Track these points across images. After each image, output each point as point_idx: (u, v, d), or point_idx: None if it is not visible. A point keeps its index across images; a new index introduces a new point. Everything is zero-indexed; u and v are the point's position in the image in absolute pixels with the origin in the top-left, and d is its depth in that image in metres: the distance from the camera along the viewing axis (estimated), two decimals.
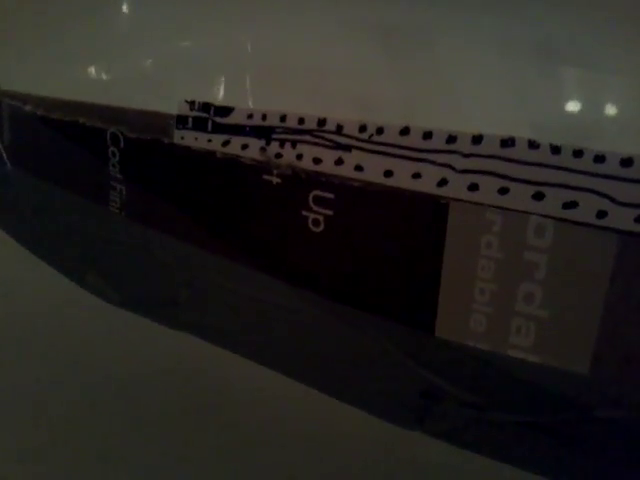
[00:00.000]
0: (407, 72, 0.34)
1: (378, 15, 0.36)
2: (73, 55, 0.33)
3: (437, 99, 0.32)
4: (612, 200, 0.11)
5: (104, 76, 0.34)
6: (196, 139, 0.15)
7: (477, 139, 0.12)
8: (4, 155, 0.19)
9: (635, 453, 0.13)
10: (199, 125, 0.15)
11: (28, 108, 0.18)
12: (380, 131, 0.13)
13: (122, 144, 0.16)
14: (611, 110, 0.33)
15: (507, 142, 0.12)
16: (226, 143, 0.15)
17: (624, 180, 0.11)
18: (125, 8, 0.35)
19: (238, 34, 0.36)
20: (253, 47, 0.37)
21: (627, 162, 0.11)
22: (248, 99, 0.34)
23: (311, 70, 0.33)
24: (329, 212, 0.14)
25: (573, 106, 0.34)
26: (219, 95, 0.35)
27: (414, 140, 0.13)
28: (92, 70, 0.34)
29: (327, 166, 0.14)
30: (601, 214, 0.11)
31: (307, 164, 0.14)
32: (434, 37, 0.36)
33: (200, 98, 0.16)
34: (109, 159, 0.16)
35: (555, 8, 0.34)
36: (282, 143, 0.14)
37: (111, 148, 0.16)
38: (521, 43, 0.35)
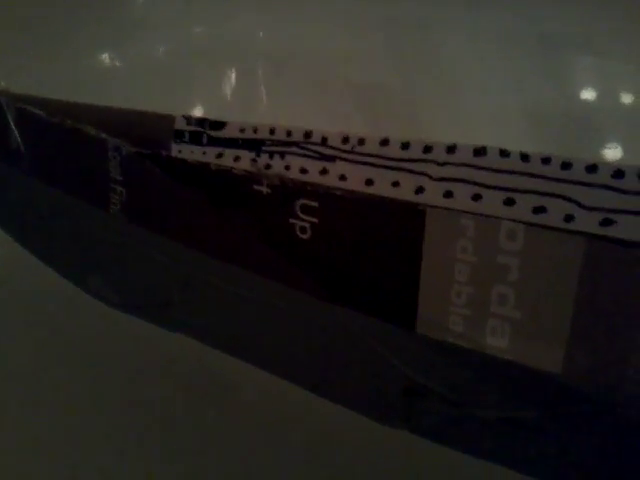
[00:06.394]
0: (408, 62, 0.35)
1: (382, 8, 0.36)
2: (86, 43, 0.33)
3: (438, 88, 0.33)
4: (579, 205, 0.12)
5: (117, 63, 0.35)
6: (192, 152, 0.16)
7: (451, 148, 0.13)
8: (11, 158, 0.19)
9: (610, 449, 0.13)
10: (195, 139, 0.16)
11: (33, 111, 0.18)
12: (362, 142, 0.14)
13: (123, 152, 0.17)
14: (615, 97, 0.34)
15: (480, 151, 0.13)
16: (219, 155, 0.16)
17: (589, 185, 0.12)
18: None
19: (250, 21, 0.37)
20: (264, 34, 0.37)
21: (592, 168, 0.12)
22: (260, 83, 0.35)
23: (318, 57, 0.34)
24: (315, 220, 0.14)
25: (573, 94, 0.34)
26: (232, 80, 0.35)
27: (393, 150, 0.13)
28: (106, 57, 0.35)
29: (313, 176, 0.14)
30: (568, 218, 0.12)
31: (294, 174, 0.15)
32: (436, 30, 0.37)
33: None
34: (110, 162, 0.17)
35: (552, 2, 0.35)
36: (271, 155, 0.15)
37: (112, 153, 0.17)
38: (521, 36, 0.35)
